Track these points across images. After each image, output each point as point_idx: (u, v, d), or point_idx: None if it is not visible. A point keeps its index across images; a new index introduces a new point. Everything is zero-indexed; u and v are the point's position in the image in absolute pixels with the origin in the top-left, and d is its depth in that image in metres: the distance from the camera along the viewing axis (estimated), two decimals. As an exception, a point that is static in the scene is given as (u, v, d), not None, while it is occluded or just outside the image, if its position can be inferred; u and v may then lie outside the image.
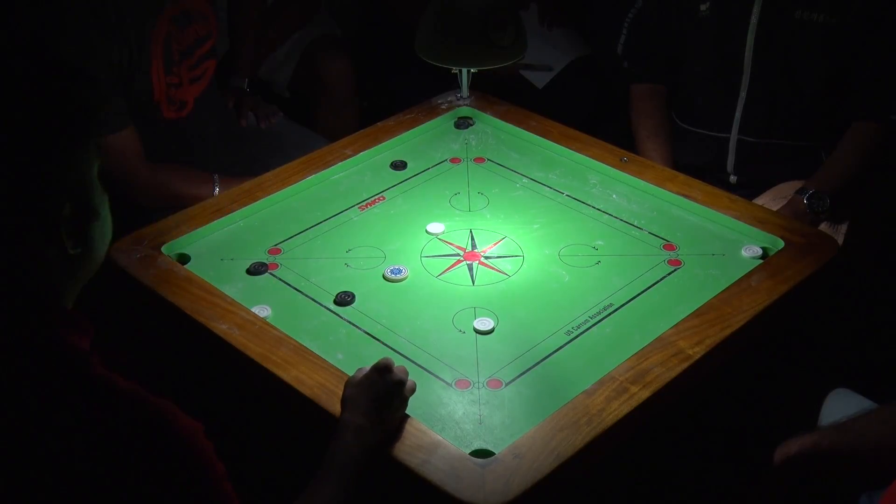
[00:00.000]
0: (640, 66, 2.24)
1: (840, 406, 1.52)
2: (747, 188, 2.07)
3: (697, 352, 1.43)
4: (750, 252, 1.66)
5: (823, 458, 1.27)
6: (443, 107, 2.08)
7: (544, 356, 1.46)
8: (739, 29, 2.01)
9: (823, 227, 1.90)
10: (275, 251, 1.69)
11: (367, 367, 1.32)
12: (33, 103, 1.01)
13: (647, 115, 2.21)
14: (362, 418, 1.26)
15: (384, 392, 1.28)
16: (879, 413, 1.29)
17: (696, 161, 2.14)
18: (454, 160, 1.94)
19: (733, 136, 2.10)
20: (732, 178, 2.14)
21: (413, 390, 1.33)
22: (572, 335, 1.50)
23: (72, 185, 1.04)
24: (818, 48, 1.96)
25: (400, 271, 1.62)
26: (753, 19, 1.99)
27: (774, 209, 1.84)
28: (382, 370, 1.30)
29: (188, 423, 1.02)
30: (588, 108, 2.76)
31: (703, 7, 2.05)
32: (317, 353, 1.44)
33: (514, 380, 1.42)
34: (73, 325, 1.05)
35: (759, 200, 1.96)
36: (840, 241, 1.82)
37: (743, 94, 2.06)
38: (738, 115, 2.08)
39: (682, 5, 2.09)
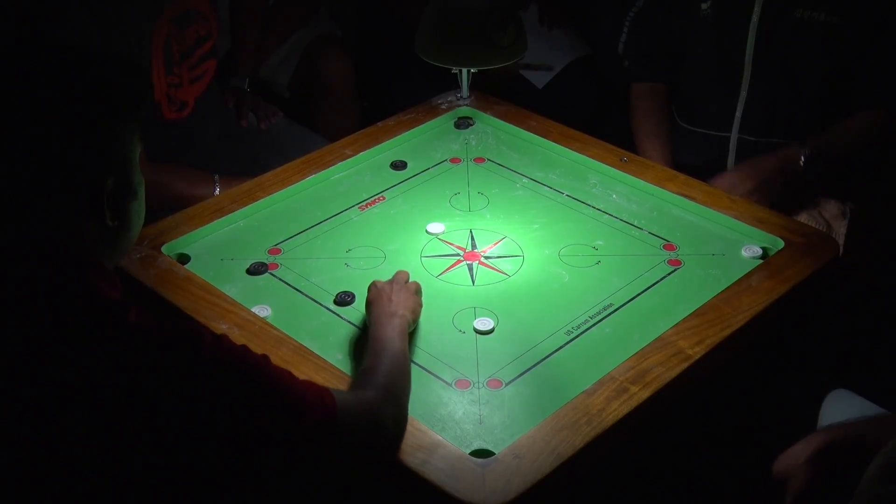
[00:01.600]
0: (640, 66, 2.24)
1: (839, 407, 1.52)
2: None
3: (697, 352, 1.43)
4: (750, 252, 1.66)
5: (858, 451, 1.25)
6: (443, 107, 2.08)
7: (544, 356, 1.46)
8: (740, 28, 2.01)
9: (807, 217, 1.89)
10: (275, 251, 1.69)
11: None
12: (87, 85, 1.11)
13: (647, 114, 2.21)
14: (404, 310, 1.43)
15: (410, 289, 1.49)
16: None
17: (696, 160, 2.14)
18: (454, 160, 1.94)
19: (734, 135, 2.10)
20: (733, 178, 2.14)
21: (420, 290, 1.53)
22: (572, 335, 1.50)
23: (116, 162, 1.14)
24: (819, 47, 1.96)
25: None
26: (754, 18, 1.99)
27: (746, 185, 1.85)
28: (400, 277, 1.53)
29: (214, 335, 1.11)
30: (588, 108, 2.76)
31: (703, 6, 2.05)
32: (317, 353, 1.44)
33: (514, 380, 1.42)
34: (110, 282, 1.12)
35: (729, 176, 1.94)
36: (840, 241, 1.82)
37: (743, 93, 2.06)
38: (738, 114, 2.08)
39: (683, 4, 2.09)
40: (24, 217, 1.10)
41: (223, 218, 1.75)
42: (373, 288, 1.49)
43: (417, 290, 1.52)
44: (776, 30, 1.99)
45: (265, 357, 1.15)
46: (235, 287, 1.60)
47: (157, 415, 1.04)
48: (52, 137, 1.08)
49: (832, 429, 1.27)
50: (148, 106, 1.18)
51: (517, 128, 2.01)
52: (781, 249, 1.65)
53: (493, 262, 1.67)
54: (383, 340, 1.36)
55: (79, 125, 1.09)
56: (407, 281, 1.53)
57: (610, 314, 1.54)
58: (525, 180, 1.88)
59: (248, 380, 1.10)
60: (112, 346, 1.05)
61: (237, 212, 1.77)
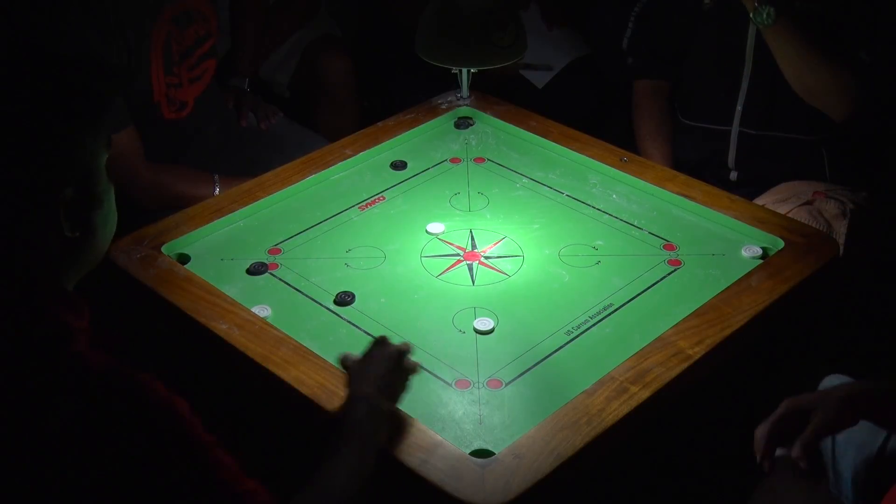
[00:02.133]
0: (644, 62, 2.25)
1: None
2: (748, 186, 2.08)
3: (697, 352, 1.43)
4: (750, 252, 1.66)
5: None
6: (443, 107, 2.08)
7: (544, 356, 1.46)
8: (741, 20, 2.01)
9: (807, 217, 1.89)
10: (275, 251, 1.69)
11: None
12: (44, 88, 1.05)
13: (648, 113, 2.22)
14: (370, 388, 1.25)
15: (387, 361, 1.29)
16: None
17: (697, 155, 2.15)
18: (454, 160, 1.94)
19: (734, 128, 2.11)
20: (733, 175, 2.14)
21: (413, 367, 1.33)
22: (572, 335, 1.50)
23: (76, 170, 1.07)
24: (817, 38, 1.96)
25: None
26: None
27: (776, 210, 1.84)
28: (381, 343, 1.33)
29: (165, 397, 1.02)
30: (588, 108, 2.76)
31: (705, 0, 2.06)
32: (317, 353, 1.44)
33: (514, 380, 1.42)
34: (68, 305, 1.06)
35: (760, 201, 1.96)
36: (841, 241, 1.83)
37: (745, 85, 2.07)
38: (739, 107, 2.09)
39: None
40: None
41: (223, 218, 1.75)
42: (350, 362, 1.32)
43: (399, 360, 1.30)
44: None
45: (216, 442, 1.04)
46: (235, 287, 1.60)
47: (72, 460, 0.97)
48: None
49: (868, 382, 1.29)
50: (116, 111, 1.11)
51: (517, 128, 2.01)
52: (781, 249, 1.65)
53: (493, 262, 1.67)
54: (338, 442, 1.19)
55: (27, 131, 1.03)
56: (391, 350, 1.32)
57: (610, 314, 1.54)
58: (525, 180, 1.88)
59: (182, 452, 1.00)
60: (43, 377, 0.99)
61: (237, 212, 1.77)
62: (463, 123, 2.06)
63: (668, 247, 1.69)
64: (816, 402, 1.27)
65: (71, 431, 0.98)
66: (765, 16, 1.89)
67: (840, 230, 1.89)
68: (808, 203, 1.94)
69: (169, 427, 1.01)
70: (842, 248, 1.76)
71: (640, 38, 2.26)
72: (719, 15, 2.06)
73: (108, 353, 1.03)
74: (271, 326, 1.49)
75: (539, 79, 2.77)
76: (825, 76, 1.92)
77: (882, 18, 1.95)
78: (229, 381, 1.56)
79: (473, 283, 1.63)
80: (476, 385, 1.41)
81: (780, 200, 1.97)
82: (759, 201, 1.94)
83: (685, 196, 1.78)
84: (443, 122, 2.05)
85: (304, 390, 1.36)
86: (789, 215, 1.84)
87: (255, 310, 1.53)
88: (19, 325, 1.02)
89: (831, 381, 1.56)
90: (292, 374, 1.39)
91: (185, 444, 1.01)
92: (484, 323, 1.52)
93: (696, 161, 2.15)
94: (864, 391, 1.28)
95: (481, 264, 1.67)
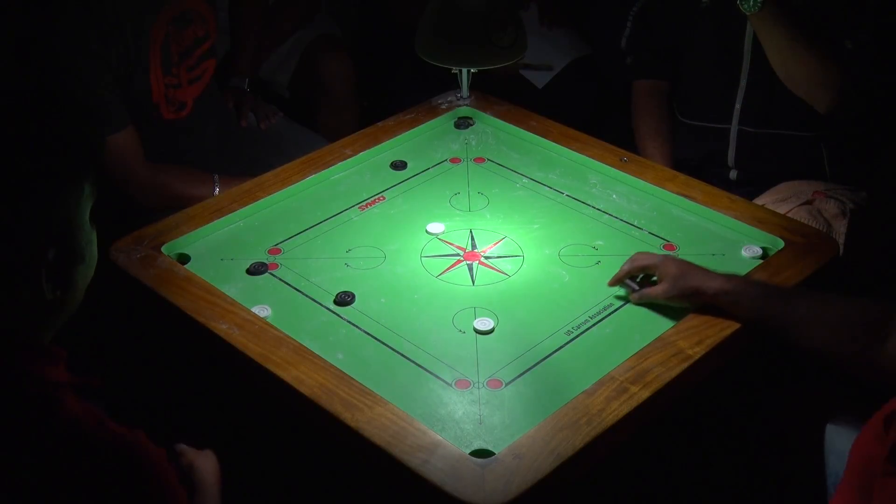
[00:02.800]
0: (643, 61, 2.25)
1: (844, 434, 1.52)
2: (748, 185, 2.08)
3: (697, 352, 1.43)
4: (750, 252, 1.66)
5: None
6: (443, 107, 2.08)
7: (544, 356, 1.46)
8: (740, 17, 2.01)
9: (807, 217, 1.89)
10: (275, 251, 1.69)
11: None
12: (28, 147, 0.98)
13: (648, 113, 2.22)
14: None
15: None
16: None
17: (696, 155, 2.15)
18: (454, 160, 1.94)
19: (734, 126, 2.11)
20: (733, 174, 2.15)
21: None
22: (572, 335, 1.50)
23: (58, 229, 1.01)
24: (803, 26, 1.96)
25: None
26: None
27: (776, 210, 1.84)
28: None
29: (151, 454, 1.01)
30: (588, 108, 2.76)
31: None
32: (317, 353, 1.44)
33: (514, 380, 1.42)
34: (46, 358, 1.02)
35: (760, 200, 1.96)
36: (840, 241, 1.83)
37: (743, 83, 2.07)
38: (738, 105, 2.09)
39: None
40: None
41: (223, 218, 1.75)
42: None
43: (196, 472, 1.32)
44: None
45: (185, 498, 1.06)
46: (235, 287, 1.60)
47: None
48: None
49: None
50: (101, 159, 1.03)
51: (517, 128, 2.01)
52: (781, 249, 1.65)
53: (493, 262, 1.67)
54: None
55: (10, 195, 0.96)
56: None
57: (610, 314, 1.54)
58: (525, 180, 1.88)
59: None
60: (36, 441, 0.96)
61: (237, 212, 1.76)
62: (463, 123, 2.06)
63: (668, 247, 1.69)
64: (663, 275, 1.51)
65: (60, 492, 0.96)
66: (751, 2, 1.89)
67: (840, 230, 1.90)
68: (808, 203, 1.94)
69: (150, 490, 1.01)
70: (842, 248, 1.76)
71: (638, 37, 2.26)
72: (717, 13, 2.06)
73: (89, 396, 1.02)
74: (271, 326, 1.49)
75: (539, 79, 2.77)
76: (811, 65, 1.92)
77: (867, 8, 1.95)
78: (229, 381, 1.56)
79: (473, 283, 1.62)
80: (476, 385, 1.41)
81: (779, 200, 1.97)
82: (759, 201, 1.94)
83: (685, 196, 1.78)
84: (443, 122, 2.05)
85: (304, 390, 1.36)
86: (789, 215, 1.84)
87: (255, 310, 1.53)
88: (5, 391, 0.97)
89: (832, 429, 1.56)
90: (292, 374, 1.39)
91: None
92: (484, 323, 1.52)
93: (696, 160, 2.15)
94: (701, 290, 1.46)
95: (481, 264, 1.67)
